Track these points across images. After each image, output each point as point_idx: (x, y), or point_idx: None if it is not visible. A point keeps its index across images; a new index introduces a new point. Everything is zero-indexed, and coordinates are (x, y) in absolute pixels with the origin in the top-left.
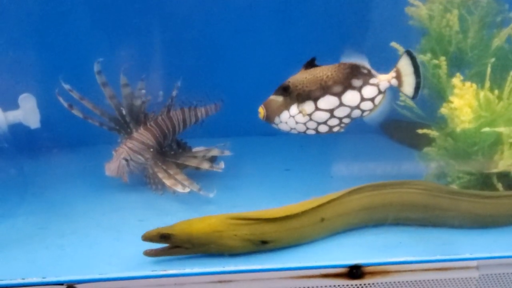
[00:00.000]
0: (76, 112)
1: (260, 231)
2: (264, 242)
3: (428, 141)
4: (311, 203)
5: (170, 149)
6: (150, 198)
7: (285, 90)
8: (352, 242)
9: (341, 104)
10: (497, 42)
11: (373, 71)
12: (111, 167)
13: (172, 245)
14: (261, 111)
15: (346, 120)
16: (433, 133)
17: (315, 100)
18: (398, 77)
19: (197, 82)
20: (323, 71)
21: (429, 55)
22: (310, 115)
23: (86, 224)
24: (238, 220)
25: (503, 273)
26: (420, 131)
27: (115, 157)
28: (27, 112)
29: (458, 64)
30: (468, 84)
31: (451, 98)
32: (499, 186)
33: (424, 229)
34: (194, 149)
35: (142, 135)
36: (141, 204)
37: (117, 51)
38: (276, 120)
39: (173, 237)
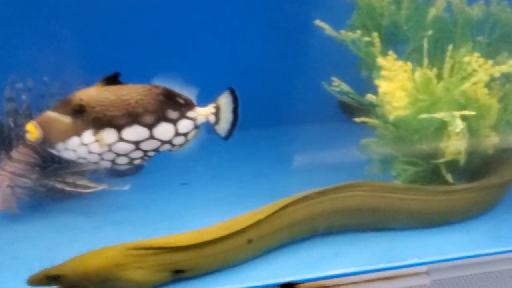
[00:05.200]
0: None
1: (171, 260)
2: (178, 272)
3: None
4: (235, 224)
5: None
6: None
7: (76, 111)
8: (284, 258)
9: (151, 137)
10: (433, 11)
11: (191, 101)
12: None
13: (65, 287)
14: (34, 131)
15: (152, 154)
16: (372, 121)
17: (119, 128)
18: (217, 113)
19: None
20: (131, 94)
21: (359, 32)
22: (110, 145)
23: None
24: (141, 250)
25: (457, 277)
26: (357, 119)
27: None
28: None
29: (394, 39)
30: (399, 63)
31: (378, 81)
32: (449, 177)
33: (370, 234)
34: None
35: (23, 154)
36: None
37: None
38: (59, 146)
39: (64, 278)
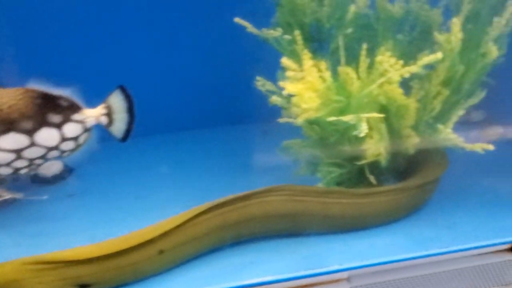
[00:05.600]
0: None
1: (74, 274)
2: (83, 286)
3: None
4: (143, 235)
5: None
6: None
7: None
8: (200, 268)
9: (33, 144)
10: (353, 9)
11: (77, 103)
12: None
13: None
14: None
15: (40, 161)
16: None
17: None
18: (108, 114)
19: None
20: (1, 99)
21: (279, 30)
22: None
23: None
24: (40, 264)
25: (378, 283)
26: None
27: None
28: None
29: (318, 37)
30: (309, 63)
31: (281, 83)
32: (372, 178)
33: (290, 240)
34: None
35: None
36: None
37: None
38: None
39: None
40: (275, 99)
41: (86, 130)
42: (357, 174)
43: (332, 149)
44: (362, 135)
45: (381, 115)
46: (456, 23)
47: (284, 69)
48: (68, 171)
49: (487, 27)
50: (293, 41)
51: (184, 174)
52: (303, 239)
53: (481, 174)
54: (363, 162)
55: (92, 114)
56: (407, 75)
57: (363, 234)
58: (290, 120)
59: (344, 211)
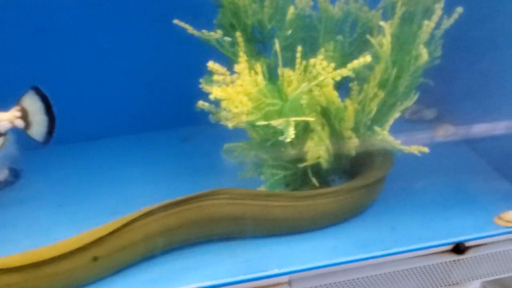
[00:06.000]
0: None
1: (2, 283)
2: None
3: None
4: (75, 242)
5: None
6: None
7: None
8: (135, 275)
9: None
10: (291, 10)
11: None
12: None
13: None
14: None
15: None
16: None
17: None
18: (24, 117)
19: None
20: None
21: (219, 32)
22: None
23: None
24: None
25: (319, 286)
26: (225, 123)
27: None
28: None
29: (261, 39)
30: (242, 65)
31: (208, 87)
32: (314, 181)
33: (231, 244)
34: None
35: None
36: None
37: None
38: None
39: None
40: (202, 104)
41: (1, 134)
42: (302, 176)
43: (275, 151)
44: (288, 140)
45: (312, 119)
46: (386, 26)
47: (211, 72)
48: (13, 177)
49: (419, 30)
50: (234, 43)
51: (117, 181)
52: (244, 243)
53: (427, 174)
54: (304, 164)
55: (5, 118)
56: (338, 78)
57: (305, 237)
58: (224, 123)
59: (286, 213)
